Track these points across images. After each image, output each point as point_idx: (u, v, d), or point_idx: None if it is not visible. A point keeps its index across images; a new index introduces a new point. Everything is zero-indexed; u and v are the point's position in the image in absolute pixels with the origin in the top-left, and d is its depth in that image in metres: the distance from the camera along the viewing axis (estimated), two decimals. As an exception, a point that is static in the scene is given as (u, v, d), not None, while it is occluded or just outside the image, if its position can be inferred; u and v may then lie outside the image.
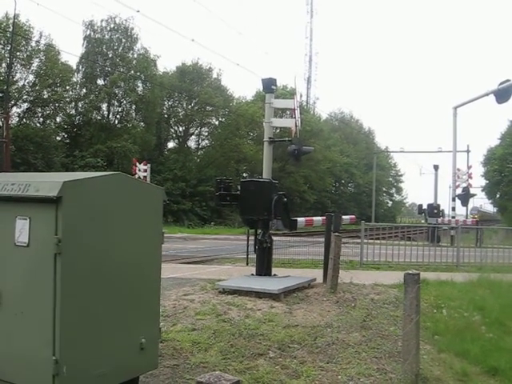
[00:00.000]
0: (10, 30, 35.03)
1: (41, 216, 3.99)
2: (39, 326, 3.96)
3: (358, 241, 16.30)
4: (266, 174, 11.32)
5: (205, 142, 57.02)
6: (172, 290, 9.66)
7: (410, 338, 5.41)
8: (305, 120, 47.04)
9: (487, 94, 24.98)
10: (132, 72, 45.36)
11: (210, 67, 52.79)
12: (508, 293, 10.08)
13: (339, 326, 7.54)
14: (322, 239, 12.27)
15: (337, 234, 10.20)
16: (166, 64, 51.52)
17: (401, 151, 59.97)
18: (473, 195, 41.27)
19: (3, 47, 37.84)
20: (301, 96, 60.72)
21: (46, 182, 4.03)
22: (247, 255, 14.98)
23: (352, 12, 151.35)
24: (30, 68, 39.72)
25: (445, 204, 33.12)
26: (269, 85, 11.57)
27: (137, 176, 25.66)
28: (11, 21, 35.43)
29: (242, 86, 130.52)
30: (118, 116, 47.33)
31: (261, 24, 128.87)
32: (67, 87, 43.11)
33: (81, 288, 4.03)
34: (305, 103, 69.49)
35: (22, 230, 4.08)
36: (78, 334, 4.01)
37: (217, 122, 54.53)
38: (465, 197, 30.03)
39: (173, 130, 55.55)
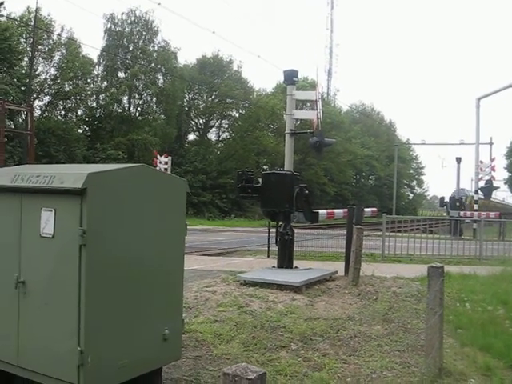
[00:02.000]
0: (32, 23, 35.38)
1: (66, 208, 4.02)
2: (64, 316, 3.99)
3: (380, 233, 16.21)
4: (288, 167, 11.29)
5: (225, 135, 57.12)
6: (194, 281, 9.70)
7: (433, 332, 5.37)
8: (325, 112, 46.81)
9: (511, 86, 24.63)
10: (152, 65, 45.55)
11: (230, 59, 52.87)
12: (532, 286, 9.95)
13: (361, 319, 7.52)
14: (343, 232, 12.23)
15: (359, 226, 10.15)
16: (187, 56, 52.25)
17: (422, 143, 59.45)
18: (496, 188, 40.81)
19: (25, 41, 38.24)
20: (322, 88, 60.52)
21: (71, 174, 4.05)
22: (268, 247, 14.99)
23: (373, 3, 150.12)
24: (51, 61, 40.18)
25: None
26: (290, 76, 11.50)
27: (158, 168, 25.76)
28: (33, 15, 35.80)
29: (262, 78, 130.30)
30: (138, 108, 47.60)
31: (282, 16, 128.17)
32: (88, 80, 43.51)
33: (105, 279, 4.05)
34: (325, 95, 69.19)
35: (47, 221, 4.11)
36: (103, 324, 4.04)
37: (237, 115, 54.52)
38: (488, 189, 29.70)
39: (193, 123, 55.71)
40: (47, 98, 41.54)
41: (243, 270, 11.08)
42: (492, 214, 29.27)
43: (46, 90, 40.86)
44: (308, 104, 33.67)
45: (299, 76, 12.29)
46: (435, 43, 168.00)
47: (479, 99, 27.81)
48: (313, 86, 27.93)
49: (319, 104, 11.56)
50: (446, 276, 9.01)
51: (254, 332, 6.68)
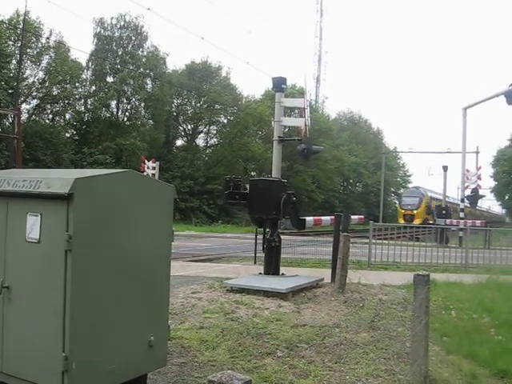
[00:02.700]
0: (21, 26, 35.21)
1: (52, 212, 4.00)
2: (49, 322, 3.97)
3: (367, 241, 16.26)
4: (275, 173, 11.31)
5: (213, 140, 57.11)
6: (180, 287, 9.68)
7: (418, 340, 5.38)
8: (313, 119, 46.96)
9: (497, 95, 24.82)
10: (141, 70, 45.50)
11: (219, 65, 52.96)
12: (517, 295, 10.03)
13: (347, 326, 7.53)
14: (330, 239, 12.26)
15: (345, 233, 10.18)
16: (176, 62, 52.37)
17: (409, 151, 60.04)
18: (482, 196, 41.20)
19: (14, 44, 38.04)
20: (310, 95, 60.78)
21: (58, 179, 4.03)
22: (255, 254, 14.99)
23: (361, 11, 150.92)
24: (39, 65, 39.97)
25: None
26: (279, 84, 11.55)
27: (145, 173, 25.67)
28: (22, 18, 35.63)
29: (250, 85, 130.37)
30: (127, 113, 47.49)
31: (271, 23, 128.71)
32: (77, 84, 43.36)
33: (91, 285, 4.04)
34: (314, 102, 69.43)
35: (33, 226, 4.09)
36: (88, 330, 4.02)
37: (225, 121, 54.56)
38: (474, 198, 29.89)
39: (181, 128, 55.66)
40: (35, 102, 41.34)
41: (230, 277, 11.07)
42: (478, 223, 29.49)
43: (34, 94, 40.64)
44: (296, 111, 33.81)
45: (288, 83, 12.34)
46: (423, 52, 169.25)
47: (466, 109, 28.01)
48: (301, 92, 28.05)
49: (307, 111, 11.62)
50: (432, 284, 9.06)
51: (240, 339, 6.67)
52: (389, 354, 6.44)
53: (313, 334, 7.08)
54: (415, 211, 47.87)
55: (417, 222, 44.51)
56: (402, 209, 50.07)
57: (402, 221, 46.23)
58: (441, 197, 53.22)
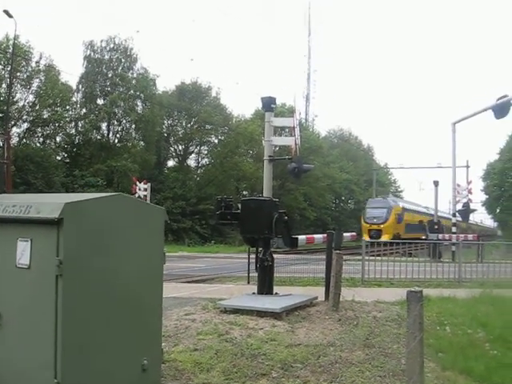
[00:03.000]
0: (10, 50, 35.32)
1: (42, 238, 3.99)
2: (40, 348, 3.94)
3: (359, 258, 16.26)
4: (267, 192, 11.32)
5: (205, 161, 57.14)
6: (173, 309, 9.61)
7: (413, 357, 5.36)
8: (304, 137, 47.14)
9: (485, 110, 25.01)
10: (132, 91, 45.62)
11: (209, 86, 53.14)
12: (511, 308, 10.02)
13: (342, 345, 7.49)
14: (322, 256, 12.23)
15: (338, 251, 10.17)
16: (166, 83, 52.51)
17: (400, 167, 60.33)
18: (473, 210, 41.26)
19: (3, 68, 38.10)
20: (300, 114, 61.09)
21: (48, 204, 4.03)
22: (248, 274, 14.93)
23: (349, 30, 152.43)
24: (30, 88, 39.97)
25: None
26: (268, 103, 11.60)
27: (137, 195, 25.63)
28: (11, 42, 35.76)
29: (240, 105, 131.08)
30: (117, 135, 47.48)
31: (259, 43, 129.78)
32: (67, 107, 43.35)
33: (82, 310, 4.01)
34: (304, 120, 69.81)
35: (23, 251, 4.07)
36: (80, 356, 3.98)
37: (216, 141, 54.66)
38: (465, 212, 29.98)
39: (172, 149, 55.69)
40: (25, 125, 41.28)
41: (223, 297, 11.01)
42: (470, 237, 29.54)
43: (25, 117, 40.58)
44: (286, 130, 33.93)
45: (277, 102, 12.39)
46: (412, 68, 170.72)
47: (455, 124, 28.20)
48: (291, 111, 28.18)
49: (297, 130, 11.66)
50: (426, 299, 9.05)
51: (235, 360, 6.62)
52: (384, 371, 6.40)
53: (307, 353, 7.04)
54: (382, 225, 42.03)
55: (385, 237, 37.78)
56: (367, 223, 43.80)
57: (366, 237, 37.42)
58: (417, 208, 51.69)
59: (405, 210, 45.81)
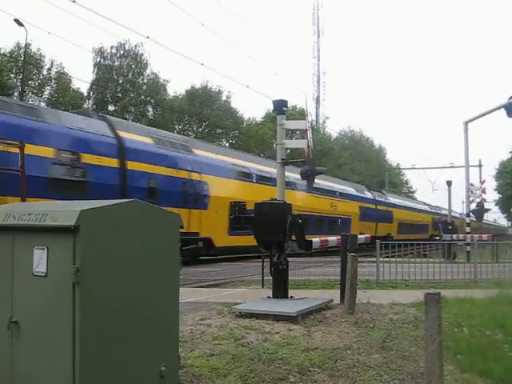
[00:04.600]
0: (22, 59, 35.61)
1: (58, 245, 3.99)
2: (58, 357, 3.92)
3: (374, 259, 16.16)
4: (280, 196, 11.28)
5: (216, 165, 57.12)
6: (189, 314, 9.59)
7: (432, 360, 5.31)
8: (315, 139, 47.04)
9: (498, 108, 24.85)
10: (142, 97, 45.84)
11: (219, 90, 53.31)
12: (529, 309, 9.92)
13: (359, 348, 7.43)
14: (337, 259, 12.18)
15: (353, 253, 10.12)
16: (176, 88, 52.52)
17: (412, 168, 59.95)
18: (487, 210, 40.93)
19: (15, 76, 38.39)
20: (311, 116, 61.03)
21: (63, 212, 4.03)
22: (262, 277, 14.88)
23: (358, 30, 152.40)
24: (41, 96, 40.29)
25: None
26: (280, 106, 11.57)
27: (149, 200, 25.65)
28: (23, 50, 36.07)
29: (251, 108, 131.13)
30: (129, 141, 47.57)
31: (269, 45, 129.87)
32: (79, 114, 43.59)
33: (100, 317, 4.00)
34: (314, 123, 69.72)
35: (39, 259, 4.07)
36: (98, 364, 3.97)
37: (227, 144, 54.71)
38: (479, 212, 29.77)
39: (184, 154, 55.73)
40: (37, 133, 41.51)
41: (238, 302, 10.98)
42: (485, 237, 29.30)
43: (37, 125, 40.86)
44: (298, 132, 33.86)
45: (288, 105, 12.36)
46: (423, 68, 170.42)
47: (467, 123, 27.99)
48: (301, 114, 28.14)
49: (309, 133, 11.62)
50: (443, 301, 8.97)
51: (252, 365, 6.59)
52: (403, 375, 6.34)
53: (324, 357, 6.99)
54: None
55: None
56: None
57: None
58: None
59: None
